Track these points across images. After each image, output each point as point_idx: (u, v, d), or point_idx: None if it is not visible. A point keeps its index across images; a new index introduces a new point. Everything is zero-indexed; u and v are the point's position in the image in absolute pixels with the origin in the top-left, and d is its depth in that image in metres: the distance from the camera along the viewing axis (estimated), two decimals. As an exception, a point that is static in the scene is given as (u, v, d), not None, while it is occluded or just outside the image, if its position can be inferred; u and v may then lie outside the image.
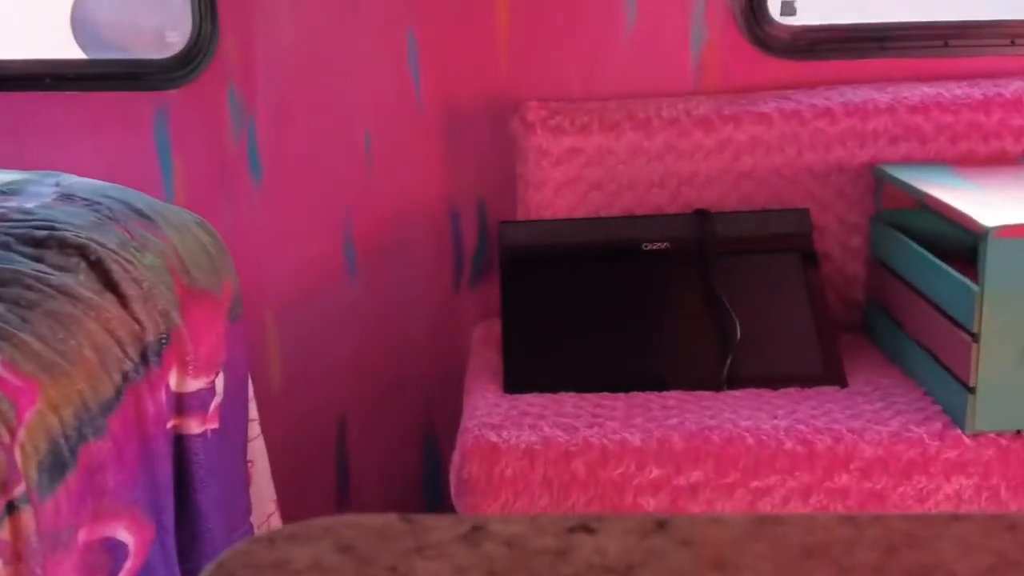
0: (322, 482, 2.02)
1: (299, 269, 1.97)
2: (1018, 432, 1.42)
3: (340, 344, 1.98)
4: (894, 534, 0.68)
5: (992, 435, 1.42)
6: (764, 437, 1.44)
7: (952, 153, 1.73)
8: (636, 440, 1.44)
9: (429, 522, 0.58)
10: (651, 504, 1.43)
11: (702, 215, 1.73)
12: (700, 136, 1.78)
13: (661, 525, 0.58)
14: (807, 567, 0.61)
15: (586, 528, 0.56)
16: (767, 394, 1.56)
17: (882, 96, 1.78)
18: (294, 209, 1.96)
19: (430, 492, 2.01)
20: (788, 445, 1.43)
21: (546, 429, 1.47)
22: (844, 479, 1.42)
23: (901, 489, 1.42)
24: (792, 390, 1.57)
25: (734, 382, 1.59)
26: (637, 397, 1.56)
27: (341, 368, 1.99)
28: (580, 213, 1.79)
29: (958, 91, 1.75)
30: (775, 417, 1.48)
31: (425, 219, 1.95)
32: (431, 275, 1.96)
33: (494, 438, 1.45)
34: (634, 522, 0.56)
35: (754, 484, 1.42)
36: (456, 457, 1.46)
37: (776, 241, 1.70)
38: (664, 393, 1.57)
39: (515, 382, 1.60)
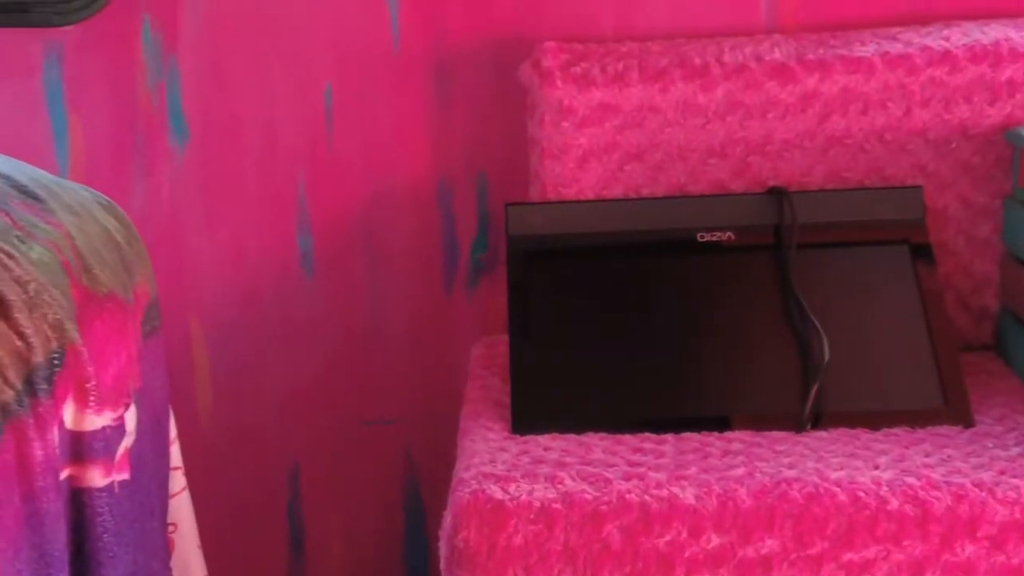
0: (269, 551, 2.02)
1: (237, 265, 1.97)
2: None
3: (292, 366, 1.98)
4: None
5: None
6: (861, 494, 1.44)
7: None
8: (689, 497, 1.44)
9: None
10: (709, 583, 1.43)
11: (778, 195, 1.73)
12: (774, 88, 1.78)
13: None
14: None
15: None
16: (864, 436, 1.56)
17: (1020, 35, 1.77)
18: (230, 185, 1.96)
19: (414, 565, 2.01)
20: (893, 505, 1.43)
21: (568, 482, 1.47)
22: (969, 550, 1.42)
23: (1046, 563, 1.42)
24: (899, 431, 1.57)
25: (820, 419, 1.59)
26: (690, 439, 1.56)
27: (294, 398, 1.99)
28: (614, 193, 1.79)
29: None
30: (876, 467, 1.48)
31: (406, 199, 1.95)
32: (414, 275, 1.97)
33: (499, 494, 1.45)
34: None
35: (848, 557, 1.42)
36: (448, 519, 1.46)
37: (877, 230, 1.70)
38: (726, 434, 1.57)
39: (526, 418, 1.60)
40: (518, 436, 1.58)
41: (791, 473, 1.47)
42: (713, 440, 1.55)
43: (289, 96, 1.93)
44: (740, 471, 1.48)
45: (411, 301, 1.96)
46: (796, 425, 1.58)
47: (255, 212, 1.96)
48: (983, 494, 1.43)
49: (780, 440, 1.55)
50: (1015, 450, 1.51)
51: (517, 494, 1.45)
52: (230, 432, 1.99)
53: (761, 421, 1.58)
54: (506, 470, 1.49)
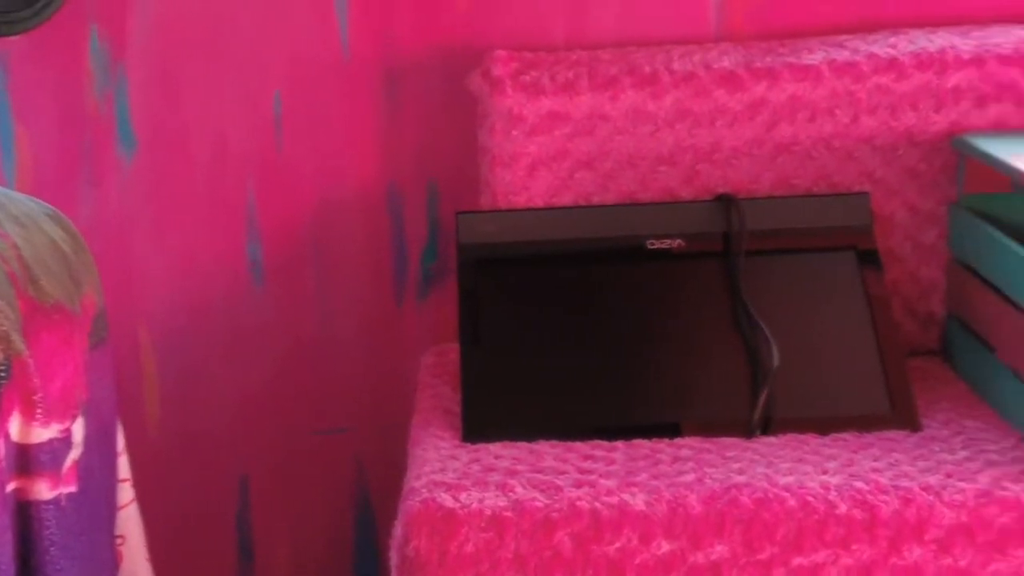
0: (218, 561, 2.01)
1: (186, 274, 1.97)
2: None
3: (242, 375, 1.98)
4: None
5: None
6: (810, 498, 1.45)
7: (1060, 118, 1.75)
8: (639, 504, 1.45)
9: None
10: (660, 589, 1.43)
11: (726, 202, 1.74)
12: (723, 96, 1.79)
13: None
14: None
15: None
16: (813, 441, 1.57)
17: (965, 43, 1.79)
18: (179, 194, 1.96)
19: (364, 575, 2.01)
20: (842, 509, 1.44)
21: (519, 490, 1.47)
22: (917, 553, 1.43)
23: (993, 567, 1.43)
24: (847, 435, 1.58)
25: (769, 425, 1.60)
26: (640, 446, 1.57)
27: (243, 408, 1.98)
28: (564, 200, 1.80)
29: (1066, 35, 1.78)
30: (824, 472, 1.49)
31: (356, 208, 1.95)
32: (364, 283, 1.97)
33: (449, 502, 1.45)
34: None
35: (797, 562, 1.43)
36: (399, 528, 1.46)
37: (825, 236, 1.72)
38: (677, 440, 1.58)
39: (477, 427, 1.61)
40: (469, 444, 1.58)
41: (741, 479, 1.48)
42: (663, 447, 1.56)
43: (238, 104, 1.93)
44: (690, 477, 1.48)
45: (361, 310, 1.96)
46: (746, 431, 1.59)
47: (204, 221, 1.95)
48: (930, 498, 1.44)
49: (730, 446, 1.56)
50: (961, 454, 1.52)
51: (468, 502, 1.45)
52: (179, 442, 1.98)
53: (711, 427, 1.59)
54: (457, 478, 1.49)
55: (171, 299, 1.96)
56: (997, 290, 1.63)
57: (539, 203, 1.80)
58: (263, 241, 1.95)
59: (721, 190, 1.78)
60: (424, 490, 1.47)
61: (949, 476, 1.47)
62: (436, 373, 1.78)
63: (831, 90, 1.77)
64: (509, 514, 1.44)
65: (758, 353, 1.64)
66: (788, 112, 1.78)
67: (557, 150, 1.80)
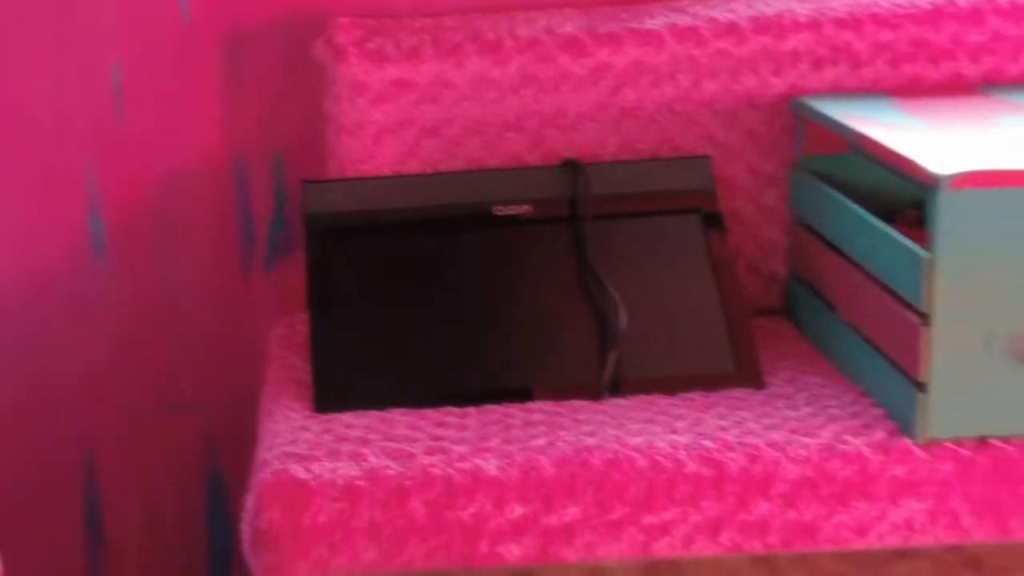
0: (66, 539, 1.98)
1: (25, 250, 1.93)
2: (982, 439, 1.48)
3: (85, 350, 1.95)
4: (822, 578, 0.71)
5: (949, 444, 1.48)
6: (659, 458, 1.47)
7: (892, 80, 1.79)
8: (492, 469, 1.46)
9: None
10: (514, 553, 1.44)
11: (572, 167, 1.75)
12: (566, 62, 1.80)
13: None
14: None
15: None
16: (662, 401, 1.60)
17: (802, 7, 1.83)
18: (16, 167, 1.92)
19: (216, 549, 2.00)
20: (690, 468, 1.47)
21: (372, 459, 1.47)
22: (763, 509, 1.47)
23: (836, 518, 1.47)
24: (695, 395, 1.61)
25: (619, 387, 1.62)
26: (492, 411, 1.58)
27: (87, 383, 1.95)
28: (411, 168, 1.80)
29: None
30: (673, 431, 1.52)
31: (199, 178, 1.92)
32: (210, 255, 1.95)
33: (302, 473, 1.45)
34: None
35: (648, 520, 1.46)
36: (250, 501, 1.45)
37: (669, 200, 1.74)
38: (528, 404, 1.59)
39: (329, 397, 1.60)
40: (320, 415, 1.58)
41: (591, 441, 1.50)
42: (515, 411, 1.57)
43: (76, 76, 1.89)
44: (542, 441, 1.50)
45: (207, 282, 1.94)
46: (595, 394, 1.61)
47: (42, 194, 1.91)
48: (776, 454, 1.48)
49: (580, 409, 1.58)
50: (805, 410, 1.56)
51: (320, 473, 1.45)
52: (20, 420, 1.95)
53: (561, 391, 1.61)
54: (308, 449, 1.49)
55: (9, 273, 1.92)
56: (836, 249, 1.67)
57: (386, 171, 1.79)
58: (104, 214, 1.92)
59: (567, 155, 1.80)
60: (275, 462, 1.46)
61: (793, 432, 1.51)
62: (286, 344, 1.77)
63: (672, 55, 1.80)
64: (362, 483, 1.44)
65: (606, 316, 1.66)
66: (631, 77, 1.80)
67: (403, 118, 1.79)
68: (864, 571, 0.72)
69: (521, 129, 1.80)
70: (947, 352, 1.46)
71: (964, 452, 1.48)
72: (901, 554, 0.74)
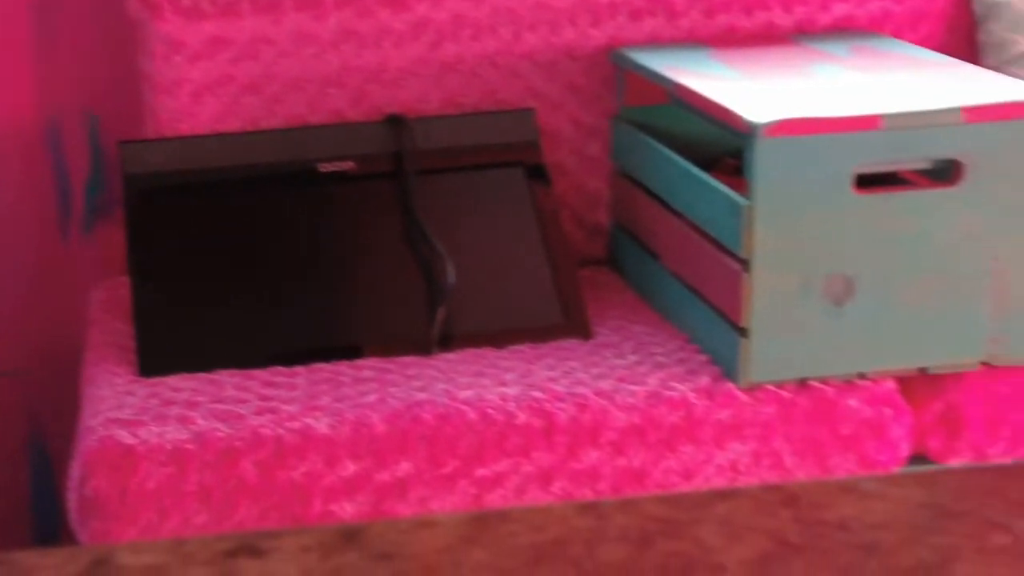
0: None
1: None
2: (803, 381, 1.53)
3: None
4: (647, 522, 0.73)
5: (771, 388, 1.52)
6: (490, 411, 1.49)
7: (708, 31, 1.82)
8: (322, 427, 1.46)
9: (31, 560, 0.57)
10: (347, 510, 1.45)
11: (395, 122, 1.75)
12: (387, 16, 1.79)
13: (351, 537, 0.60)
14: (539, 573, 0.64)
15: (251, 550, 0.57)
16: (491, 355, 1.61)
17: (620, -42, 1.84)
18: None
19: (41, 518, 1.97)
20: (521, 419, 1.49)
21: (200, 422, 1.46)
22: (593, 457, 1.49)
23: (664, 464, 1.50)
24: (523, 347, 1.62)
25: (448, 341, 1.63)
26: (322, 370, 1.58)
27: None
28: (230, 126, 1.78)
29: (712, -50, 1.85)
30: (503, 384, 1.53)
31: (11, 142, 1.88)
32: (26, 219, 1.90)
33: (128, 439, 1.43)
34: (315, 536, 0.58)
35: (480, 473, 1.47)
36: (76, 468, 1.43)
37: (494, 153, 1.75)
38: (357, 362, 1.60)
39: (153, 361, 1.59)
40: (145, 379, 1.56)
41: (422, 396, 1.50)
42: (345, 369, 1.58)
43: None
44: (372, 398, 1.50)
45: (24, 246, 1.90)
46: (425, 349, 1.62)
47: None
48: (604, 402, 1.50)
49: (410, 365, 1.58)
50: (631, 358, 1.59)
51: (147, 437, 1.43)
52: None
53: (391, 347, 1.61)
54: (134, 414, 1.47)
55: None
56: (658, 199, 1.70)
57: (205, 130, 1.77)
58: (-87, 180, 1.86)
59: (390, 111, 1.79)
60: (100, 428, 1.44)
61: (621, 381, 1.54)
62: (107, 308, 1.74)
63: (493, 7, 1.80)
64: (191, 447, 1.43)
65: (434, 271, 1.66)
66: (452, 30, 1.80)
67: (221, 75, 1.77)
68: (687, 513, 0.73)
69: (343, 85, 1.79)
70: (766, 297, 1.50)
71: (785, 394, 1.52)
72: (722, 495, 0.76)
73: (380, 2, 1.79)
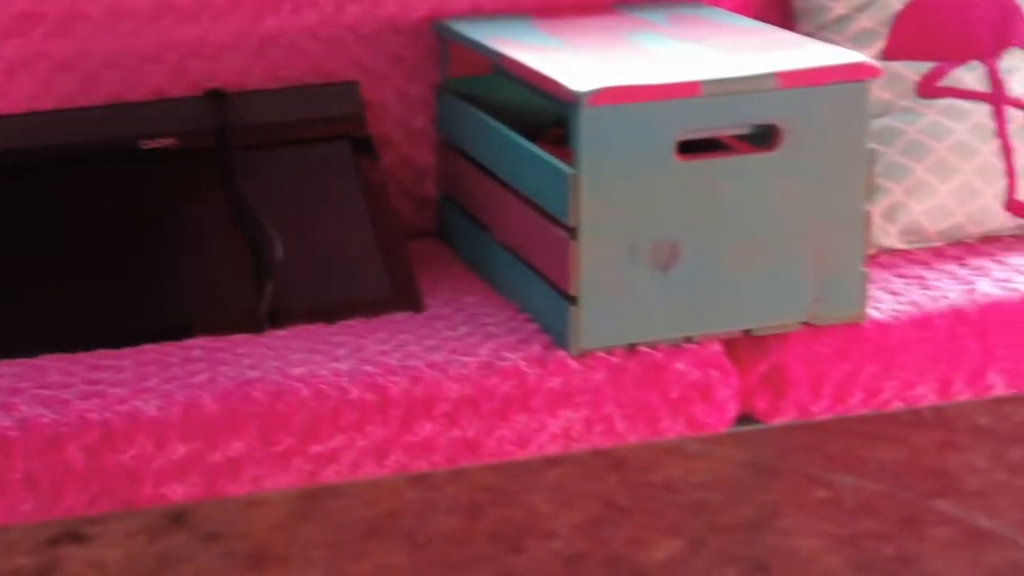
0: None
1: None
2: (632, 347, 1.56)
3: None
4: (477, 491, 0.74)
5: (601, 354, 1.55)
6: (323, 386, 1.49)
7: (530, 1, 1.84)
8: (151, 409, 1.45)
9: None
10: (179, 493, 1.44)
11: (217, 97, 1.74)
12: (205, -10, 1.77)
13: (178, 519, 0.60)
14: (371, 547, 0.65)
15: (75, 536, 0.57)
16: (323, 330, 1.61)
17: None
18: None
19: None
20: (354, 394, 1.49)
21: (24, 408, 1.44)
22: (428, 429, 1.50)
23: (498, 433, 1.52)
24: (355, 322, 1.63)
25: (278, 318, 1.62)
26: (149, 351, 1.56)
27: None
28: (46, 105, 1.74)
29: (532, -80, 1.86)
30: (335, 359, 1.53)
31: None
32: None
33: (-51, 429, 1.40)
34: (141, 520, 0.58)
35: (315, 449, 1.47)
36: None
37: (318, 126, 1.74)
38: (186, 342, 1.58)
39: (-27, 347, 1.55)
40: (-35, 366, 1.53)
41: (253, 374, 1.50)
42: (174, 350, 1.56)
43: None
44: (202, 378, 1.49)
45: None
46: (255, 326, 1.61)
47: None
48: (437, 374, 1.51)
49: (241, 343, 1.57)
50: (463, 329, 1.60)
51: (-31, 427, 1.40)
52: None
53: (221, 326, 1.60)
54: (-45, 403, 1.44)
55: None
56: (485, 170, 1.71)
57: (19, 109, 1.73)
58: None
59: (211, 86, 1.77)
60: (-80, 419, 1.41)
61: (453, 352, 1.55)
62: (-77, 295, 1.70)
63: (313, -20, 1.79)
64: (14, 434, 1.41)
65: (261, 248, 1.65)
66: (272, 3, 1.78)
67: (34, 52, 1.73)
68: (516, 482, 0.75)
69: (161, 60, 1.76)
70: (594, 265, 1.52)
71: (615, 360, 1.54)
72: (552, 462, 0.78)
73: (196, -25, 1.77)
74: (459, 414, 1.51)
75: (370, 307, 1.64)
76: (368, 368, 1.51)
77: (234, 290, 1.63)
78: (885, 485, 0.80)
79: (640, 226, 1.52)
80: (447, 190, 1.83)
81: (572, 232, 1.52)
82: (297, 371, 1.51)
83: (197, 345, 1.57)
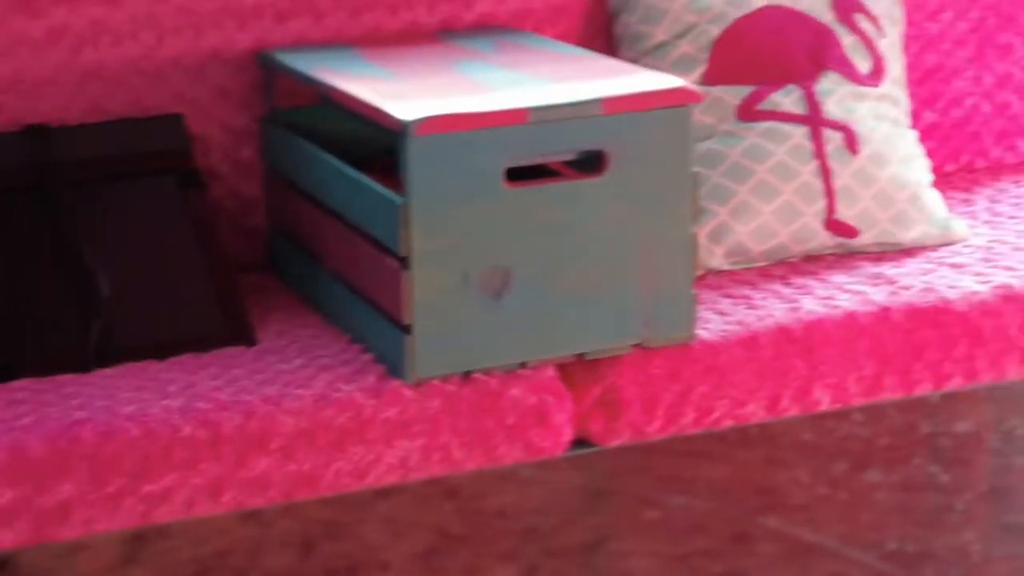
0: None
1: None
2: (467, 374, 1.56)
3: None
4: (310, 525, 0.74)
5: (437, 383, 1.55)
6: (154, 425, 1.47)
7: (355, 31, 1.84)
8: (-25, 455, 1.41)
9: None
10: (7, 539, 1.41)
11: (37, 133, 1.71)
12: (21, 23, 1.74)
13: (2, 567, 0.58)
14: (201, 587, 0.64)
15: None
16: (153, 367, 1.59)
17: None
18: None
19: None
20: (186, 431, 1.47)
21: None
22: (263, 464, 1.49)
23: (336, 465, 1.51)
24: (186, 358, 1.61)
25: (106, 357, 1.60)
26: (-29, 395, 1.53)
27: None
28: None
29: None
30: (166, 396, 1.52)
31: None
32: None
33: None
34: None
35: (147, 489, 1.45)
36: None
37: (144, 161, 1.72)
38: (10, 384, 1.55)
39: None
40: None
41: (81, 415, 1.47)
42: (-4, 392, 1.53)
43: None
44: (28, 420, 1.46)
45: None
46: (82, 366, 1.58)
47: None
48: (271, 408, 1.50)
49: (68, 383, 1.55)
50: (297, 362, 1.59)
51: None
52: None
53: (47, 366, 1.57)
54: None
55: None
56: (316, 201, 1.71)
57: None
58: None
59: (30, 121, 1.74)
60: None
61: (287, 385, 1.54)
62: None
63: (132, 13, 1.77)
64: None
65: (87, 285, 1.63)
66: (91, 36, 1.76)
67: None
68: (350, 514, 0.75)
69: (-22, 96, 1.73)
70: (427, 293, 1.53)
71: (451, 388, 1.55)
72: (385, 493, 0.78)
73: (13, 7, 1.74)
74: (295, 448, 1.50)
75: (201, 342, 1.63)
76: (200, 404, 1.50)
77: (59, 329, 1.60)
78: (714, 503, 0.82)
79: (472, 254, 1.53)
80: (278, 222, 1.82)
81: (404, 261, 1.52)
82: (127, 410, 1.48)
83: (22, 387, 1.54)
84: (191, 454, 1.47)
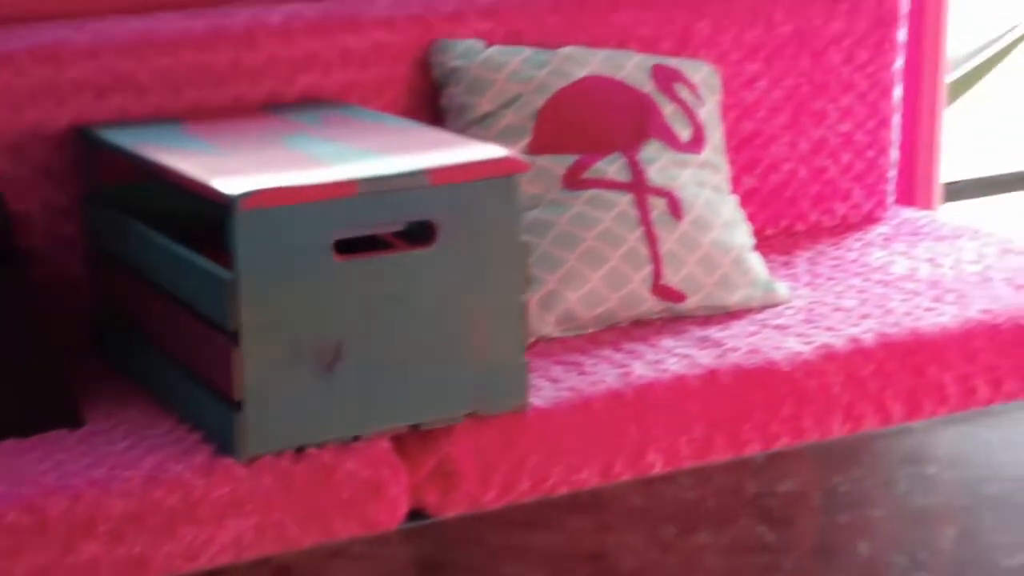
0: None
1: None
2: (301, 449, 1.55)
3: None
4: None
5: (270, 459, 1.54)
6: (-25, 513, 1.43)
7: (177, 106, 1.83)
8: None
9: None
10: None
11: None
12: None
13: None
14: None
15: None
16: (-26, 453, 1.55)
17: (81, 35, 1.82)
18: None
19: None
20: (10, 517, 1.44)
21: None
22: (92, 549, 1.46)
23: (167, 548, 1.49)
24: (9, 442, 1.57)
25: (-76, 444, 1.55)
26: None
27: None
28: None
29: (176, 24, 1.85)
30: (-14, 483, 1.48)
31: None
32: None
33: None
34: None
35: (-31, 581, 1.41)
36: None
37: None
38: None
39: None
40: None
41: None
42: None
43: None
44: None
45: None
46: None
47: None
48: (98, 491, 1.47)
49: None
50: (124, 443, 1.57)
51: None
52: None
53: None
54: None
55: None
56: (143, 279, 1.69)
57: None
58: None
59: None
60: None
61: (114, 467, 1.51)
62: None
63: (-54, 91, 1.74)
64: None
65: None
66: (-95, 115, 1.72)
67: None
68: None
69: None
70: (258, 369, 1.52)
71: (284, 464, 1.54)
72: (216, 574, 0.77)
73: None
74: (124, 531, 1.47)
75: (25, 426, 1.59)
76: (24, 489, 1.46)
77: None
78: (546, 572, 0.83)
79: (302, 327, 1.53)
80: (103, 302, 1.79)
81: (233, 337, 1.51)
82: (-53, 499, 1.44)
83: None
84: (15, 541, 1.43)
